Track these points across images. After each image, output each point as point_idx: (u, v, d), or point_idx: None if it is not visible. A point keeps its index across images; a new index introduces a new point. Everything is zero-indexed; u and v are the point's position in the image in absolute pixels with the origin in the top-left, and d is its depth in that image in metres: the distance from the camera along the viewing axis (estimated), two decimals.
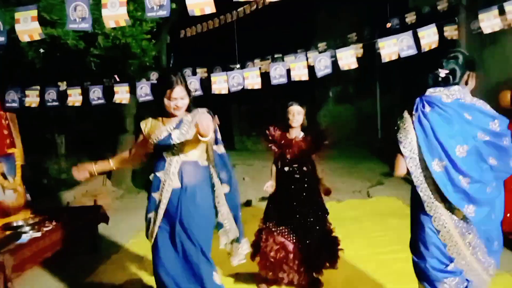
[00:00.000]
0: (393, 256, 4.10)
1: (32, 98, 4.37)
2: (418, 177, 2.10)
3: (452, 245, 2.10)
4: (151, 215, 2.61)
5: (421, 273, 2.20)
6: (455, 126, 2.02)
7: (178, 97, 2.50)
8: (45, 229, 3.74)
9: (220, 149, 2.67)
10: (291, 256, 3.26)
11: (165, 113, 2.57)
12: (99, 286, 3.72)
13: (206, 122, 2.27)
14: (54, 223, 3.91)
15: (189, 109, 2.59)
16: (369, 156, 9.62)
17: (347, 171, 8.07)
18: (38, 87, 4.44)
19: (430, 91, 2.14)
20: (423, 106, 2.10)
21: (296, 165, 3.32)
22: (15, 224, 3.83)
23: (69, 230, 3.94)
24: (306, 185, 3.33)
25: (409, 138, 2.11)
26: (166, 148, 2.54)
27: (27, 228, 3.71)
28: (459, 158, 1.99)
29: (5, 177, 4.30)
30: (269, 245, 3.29)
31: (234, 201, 2.76)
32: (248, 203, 6.35)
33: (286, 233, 3.30)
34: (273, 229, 3.33)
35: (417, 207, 2.19)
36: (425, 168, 2.07)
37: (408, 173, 2.13)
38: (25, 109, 4.63)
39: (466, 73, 2.15)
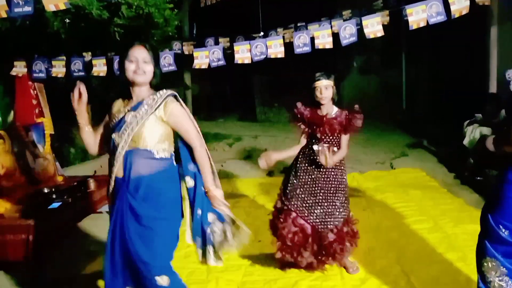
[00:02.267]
0: (415, 226, 4.10)
1: (58, 69, 4.44)
2: None
3: None
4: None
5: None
6: None
7: (139, 58, 2.17)
8: (74, 196, 3.87)
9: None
10: (310, 239, 3.09)
11: (130, 94, 2.28)
12: None
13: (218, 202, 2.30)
14: (83, 189, 4.05)
15: (152, 85, 2.28)
16: (393, 127, 9.48)
17: (371, 143, 7.99)
18: (64, 58, 4.50)
19: None
20: None
21: (326, 145, 3.07)
22: (46, 191, 3.97)
23: (97, 196, 4.07)
24: (335, 168, 3.13)
25: None
26: (117, 128, 2.24)
27: (57, 195, 3.85)
28: None
29: (35, 146, 4.44)
30: (287, 227, 3.09)
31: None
32: (270, 174, 6.40)
33: (306, 215, 3.11)
34: (292, 209, 3.13)
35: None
36: None
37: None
38: (52, 80, 4.71)
39: None
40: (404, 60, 11.03)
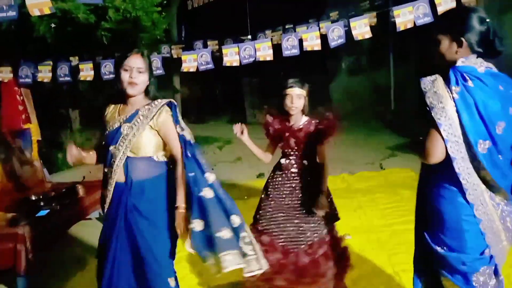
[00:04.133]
0: (405, 226, 4.11)
1: (44, 74, 4.39)
2: (460, 163, 1.77)
3: (491, 234, 1.86)
4: (102, 214, 2.37)
5: (451, 265, 1.90)
6: (495, 101, 1.76)
7: (134, 67, 2.15)
8: (63, 202, 3.82)
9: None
10: (281, 261, 2.68)
11: (124, 100, 2.26)
12: None
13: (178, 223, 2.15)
14: (71, 196, 4.00)
15: (147, 93, 2.25)
16: (382, 128, 9.55)
17: (360, 143, 8.03)
18: (51, 62, 4.45)
19: (462, 61, 1.81)
20: (464, 80, 1.76)
21: (293, 158, 2.78)
22: (34, 198, 3.92)
23: (86, 203, 4.02)
24: (305, 183, 2.75)
25: (449, 119, 1.75)
26: (112, 142, 2.21)
27: (45, 202, 3.79)
28: (498, 135, 1.76)
29: (22, 152, 4.38)
30: None
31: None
32: (260, 175, 6.40)
33: (275, 234, 2.72)
34: (259, 228, 2.76)
35: (447, 194, 1.88)
36: (468, 152, 1.78)
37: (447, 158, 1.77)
38: (39, 85, 4.65)
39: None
40: (392, 61, 11.13)
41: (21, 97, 4.58)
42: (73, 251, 3.98)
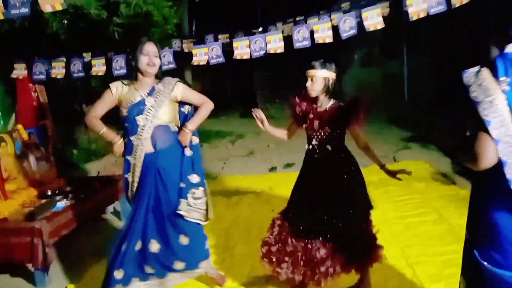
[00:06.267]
0: (419, 219, 4.09)
1: (58, 70, 4.43)
2: None
3: None
4: (128, 176, 2.76)
5: (494, 285, 1.61)
6: None
7: (151, 52, 2.65)
8: (78, 197, 3.88)
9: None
10: (295, 251, 2.66)
11: (136, 79, 2.71)
12: None
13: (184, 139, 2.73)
14: (86, 191, 4.05)
15: (157, 76, 2.76)
16: (395, 120, 9.45)
17: (373, 136, 7.94)
18: (64, 59, 4.49)
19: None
20: None
21: (316, 143, 2.68)
22: (49, 193, 3.98)
23: (102, 197, 4.08)
24: (330, 170, 2.64)
25: (499, 115, 1.49)
26: (138, 112, 2.65)
27: (61, 196, 3.85)
28: None
29: (37, 148, 4.45)
30: (272, 232, 2.77)
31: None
32: (273, 169, 6.40)
33: (294, 223, 2.70)
34: (289, 218, 2.75)
35: (498, 205, 1.59)
36: None
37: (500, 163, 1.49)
38: (53, 81, 4.70)
39: None
40: (405, 52, 10.97)
41: (36, 94, 4.64)
42: (89, 244, 4.04)
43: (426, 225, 3.92)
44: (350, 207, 2.63)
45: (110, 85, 2.75)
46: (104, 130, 2.75)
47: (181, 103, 2.86)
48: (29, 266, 3.30)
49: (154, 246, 2.70)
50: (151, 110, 2.64)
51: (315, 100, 2.70)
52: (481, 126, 1.50)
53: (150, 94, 2.68)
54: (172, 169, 2.72)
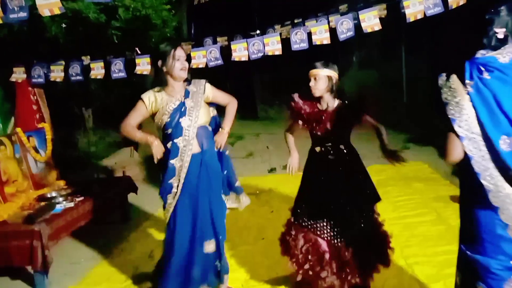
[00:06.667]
0: (418, 219, 4.10)
1: (57, 73, 4.43)
2: (480, 162, 1.66)
3: None
4: (173, 181, 2.70)
5: (479, 272, 1.80)
6: None
7: (182, 56, 2.67)
8: (77, 199, 3.89)
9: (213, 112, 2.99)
10: (327, 256, 2.68)
11: (165, 85, 2.72)
12: (130, 253, 3.88)
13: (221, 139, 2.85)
14: (85, 194, 4.06)
15: (186, 79, 2.77)
16: (394, 121, 9.45)
17: (372, 137, 7.95)
18: (63, 62, 4.50)
19: (481, 53, 1.74)
20: (480, 72, 1.68)
21: (329, 144, 2.70)
22: (49, 196, 3.99)
23: (101, 200, 4.08)
24: (344, 169, 2.69)
25: (465, 114, 1.66)
26: (181, 115, 2.68)
27: (60, 199, 3.86)
28: None
29: (37, 151, 4.46)
30: (299, 244, 2.73)
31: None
32: (272, 170, 6.41)
33: (319, 229, 2.69)
34: (303, 224, 2.74)
35: (474, 197, 1.76)
36: (489, 150, 1.66)
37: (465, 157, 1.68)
38: (52, 84, 4.72)
39: None
40: (404, 53, 10.99)
41: (35, 97, 4.66)
42: (88, 247, 4.05)
43: (425, 226, 3.93)
44: (367, 202, 2.75)
45: (142, 96, 2.75)
46: (139, 135, 2.75)
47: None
48: (29, 269, 3.31)
49: (210, 247, 2.77)
50: (192, 111, 2.69)
51: (317, 101, 2.75)
52: (450, 125, 1.69)
53: (186, 96, 2.72)
54: (216, 167, 2.84)
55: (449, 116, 1.69)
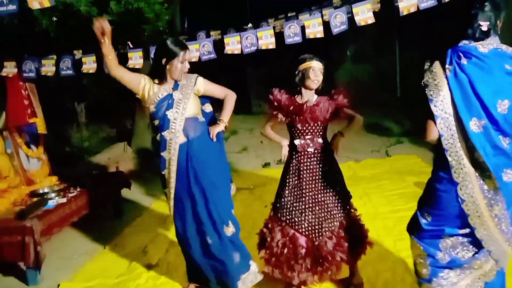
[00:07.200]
0: (411, 213, 4.09)
1: (48, 68, 4.38)
2: (448, 140, 1.83)
3: (475, 216, 1.88)
4: (165, 172, 2.77)
5: (424, 233, 2.07)
6: (495, 79, 1.77)
7: (187, 59, 2.73)
8: (70, 195, 3.86)
9: (208, 108, 2.97)
10: (303, 251, 2.68)
11: (159, 77, 2.75)
12: (124, 249, 3.86)
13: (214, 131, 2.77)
14: (78, 189, 4.03)
15: None
16: (388, 115, 9.48)
17: (366, 131, 7.99)
18: (54, 56, 4.45)
19: (464, 42, 1.89)
20: (459, 58, 1.83)
21: (309, 137, 2.73)
22: (41, 191, 3.96)
23: (94, 195, 4.06)
24: (322, 163, 2.73)
25: (441, 95, 1.83)
26: (168, 107, 2.70)
27: (53, 195, 3.83)
28: (500, 115, 1.76)
29: (29, 147, 4.42)
30: (276, 237, 2.71)
31: None
32: (266, 165, 6.41)
33: (297, 223, 2.69)
34: (282, 218, 2.74)
35: (441, 171, 1.95)
36: (459, 130, 1.81)
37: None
38: (44, 79, 4.67)
39: (500, 19, 1.90)
40: (397, 47, 11.00)
41: (26, 92, 4.59)
42: (81, 242, 4.03)
43: None
44: (344, 196, 2.78)
45: (142, 76, 2.77)
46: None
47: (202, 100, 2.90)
48: (21, 265, 3.29)
49: (229, 230, 2.80)
50: (179, 103, 2.70)
51: (296, 95, 2.78)
52: (429, 106, 1.85)
53: (175, 88, 2.74)
54: (208, 155, 2.77)
55: (428, 97, 1.85)
